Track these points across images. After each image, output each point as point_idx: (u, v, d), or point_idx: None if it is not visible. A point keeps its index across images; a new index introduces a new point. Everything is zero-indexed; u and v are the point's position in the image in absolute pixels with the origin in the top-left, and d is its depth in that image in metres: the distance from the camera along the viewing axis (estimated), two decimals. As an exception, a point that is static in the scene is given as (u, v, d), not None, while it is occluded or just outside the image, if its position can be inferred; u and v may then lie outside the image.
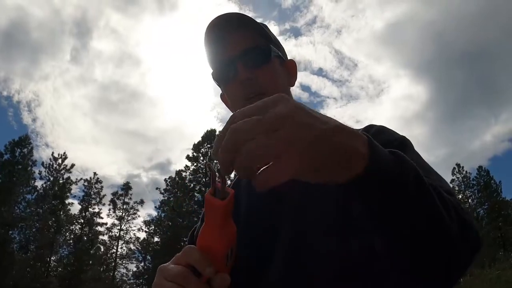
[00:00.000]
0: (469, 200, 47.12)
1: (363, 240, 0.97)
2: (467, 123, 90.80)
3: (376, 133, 1.26)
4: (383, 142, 1.01)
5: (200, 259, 0.85)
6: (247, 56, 1.36)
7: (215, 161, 0.83)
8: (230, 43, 1.38)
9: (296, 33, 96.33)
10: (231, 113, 1.30)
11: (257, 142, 0.67)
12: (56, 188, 44.03)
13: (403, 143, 1.22)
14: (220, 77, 1.44)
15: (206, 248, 0.85)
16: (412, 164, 0.84)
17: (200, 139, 47.95)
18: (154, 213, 52.34)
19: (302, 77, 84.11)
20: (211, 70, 1.46)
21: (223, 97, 1.55)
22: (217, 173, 0.79)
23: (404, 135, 1.27)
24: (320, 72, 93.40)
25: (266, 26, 1.51)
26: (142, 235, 48.45)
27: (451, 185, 1.05)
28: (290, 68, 1.51)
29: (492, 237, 41.98)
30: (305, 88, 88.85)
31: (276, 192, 1.04)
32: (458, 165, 48.80)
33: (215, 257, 0.84)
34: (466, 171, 48.89)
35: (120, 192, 48.73)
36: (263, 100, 0.74)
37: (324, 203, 1.12)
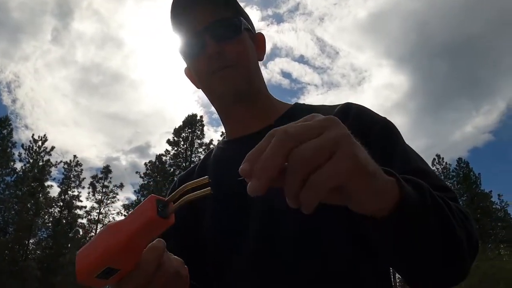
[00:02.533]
0: (448, 191, 46.69)
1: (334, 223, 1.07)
2: (448, 114, 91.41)
3: (357, 114, 1.22)
4: (365, 126, 1.15)
5: None
6: (216, 29, 1.28)
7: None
8: (198, 15, 1.30)
9: (278, 19, 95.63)
10: (197, 89, 1.44)
11: (326, 173, 0.61)
12: (36, 171, 43.87)
13: (386, 129, 1.19)
14: (186, 51, 1.37)
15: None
16: (429, 192, 0.85)
17: (181, 123, 47.71)
18: (133, 197, 52.20)
19: (283, 63, 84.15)
20: (177, 44, 1.39)
21: (187, 72, 1.47)
22: (182, 192, 0.72)
23: (384, 116, 1.24)
24: (301, 59, 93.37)
25: None
26: (121, 219, 48.35)
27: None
28: (259, 42, 1.44)
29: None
30: (286, 74, 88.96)
31: None
32: (438, 156, 48.86)
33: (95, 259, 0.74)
34: (446, 162, 48.99)
35: (99, 175, 48.60)
36: (312, 119, 0.70)
37: None
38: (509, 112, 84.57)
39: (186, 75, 1.48)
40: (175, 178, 1.53)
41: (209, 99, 1.40)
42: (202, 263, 1.24)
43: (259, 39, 1.44)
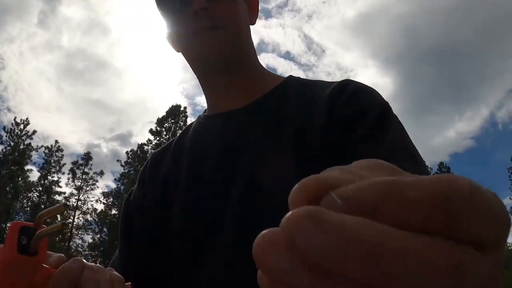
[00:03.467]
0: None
1: None
2: (431, 118, 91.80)
3: (353, 93, 1.03)
4: (364, 106, 1.00)
5: None
6: None
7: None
8: None
9: (266, 14, 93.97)
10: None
11: None
12: (16, 154, 43.55)
13: (383, 114, 0.99)
14: (167, 6, 1.15)
15: None
16: None
17: (164, 113, 47.46)
18: (113, 185, 52.11)
19: (269, 59, 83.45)
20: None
21: (169, 38, 1.24)
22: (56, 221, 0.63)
23: (386, 103, 1.04)
24: (287, 56, 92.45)
25: None
26: (100, 207, 48.35)
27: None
28: (252, 3, 1.24)
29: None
30: (272, 70, 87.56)
31: (228, 149, 1.07)
32: (418, 160, 48.60)
33: None
34: (427, 166, 48.82)
35: (80, 162, 48.38)
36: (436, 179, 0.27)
37: (280, 167, 0.98)
38: (491, 119, 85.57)
39: (168, 41, 1.26)
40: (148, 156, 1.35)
41: (190, 65, 1.20)
42: (169, 250, 1.09)
43: (253, 1, 1.24)
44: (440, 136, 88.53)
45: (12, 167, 43.06)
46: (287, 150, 0.99)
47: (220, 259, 0.98)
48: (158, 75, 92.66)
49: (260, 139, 1.05)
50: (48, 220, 0.66)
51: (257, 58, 1.23)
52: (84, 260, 0.73)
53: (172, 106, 48.09)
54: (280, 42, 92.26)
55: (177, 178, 1.15)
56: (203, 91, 1.24)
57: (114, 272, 0.79)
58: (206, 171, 1.10)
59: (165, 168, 1.20)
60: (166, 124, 46.64)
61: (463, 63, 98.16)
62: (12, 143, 44.24)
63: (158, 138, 46.00)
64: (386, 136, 0.94)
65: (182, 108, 47.76)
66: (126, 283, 0.79)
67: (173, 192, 1.13)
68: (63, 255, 0.75)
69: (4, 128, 45.25)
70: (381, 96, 1.06)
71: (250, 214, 0.97)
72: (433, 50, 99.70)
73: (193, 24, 1.09)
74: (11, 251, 0.61)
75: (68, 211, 45.96)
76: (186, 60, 1.20)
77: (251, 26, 1.22)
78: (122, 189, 46.09)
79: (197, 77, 1.22)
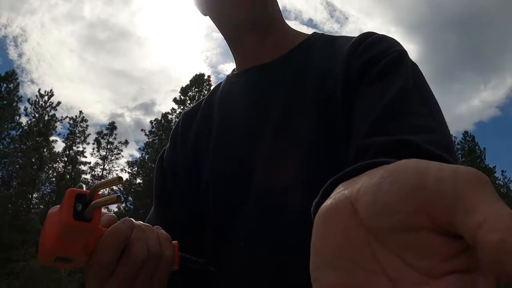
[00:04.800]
0: (452, 164, 46.84)
1: None
2: (456, 86, 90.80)
3: (370, 44, 1.01)
4: (380, 52, 0.97)
5: None
6: None
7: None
8: None
9: None
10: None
11: None
12: (41, 125, 43.91)
13: (398, 60, 0.96)
14: None
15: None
16: None
17: (188, 82, 47.41)
18: (137, 154, 52.47)
19: (292, 26, 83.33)
20: None
21: (196, 0, 1.25)
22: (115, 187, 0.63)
23: (403, 49, 1.00)
24: (310, 23, 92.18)
25: None
26: (124, 176, 48.67)
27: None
28: None
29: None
30: None
31: (260, 106, 1.08)
32: (444, 128, 48.09)
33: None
34: (452, 135, 48.56)
35: (105, 132, 48.66)
36: None
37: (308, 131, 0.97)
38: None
39: (194, 2, 1.26)
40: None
41: (217, 26, 1.22)
42: (205, 216, 1.09)
43: None
44: (464, 105, 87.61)
45: (37, 139, 43.42)
46: (313, 99, 1.01)
47: (252, 207, 0.99)
48: (181, 43, 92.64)
49: (289, 91, 1.06)
50: (102, 191, 0.70)
51: (282, 16, 1.24)
52: (134, 220, 0.78)
53: (196, 74, 47.82)
54: (303, 10, 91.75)
55: (208, 133, 1.16)
56: (231, 51, 1.25)
57: (162, 230, 0.83)
58: (237, 122, 1.11)
59: (196, 127, 1.22)
60: (190, 93, 46.50)
61: (488, 31, 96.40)
62: (36, 115, 44.57)
63: (182, 107, 45.94)
64: (395, 83, 0.90)
65: (206, 77, 47.56)
66: (173, 242, 0.83)
67: (204, 148, 1.16)
68: (114, 215, 0.80)
69: (28, 100, 45.50)
70: (400, 45, 1.02)
71: (282, 157, 0.99)
72: (457, 18, 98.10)
73: None
74: (67, 216, 0.64)
75: (94, 181, 46.38)
76: (213, 21, 1.21)
77: None
78: (146, 158, 46.19)
79: (224, 38, 1.23)
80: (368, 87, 0.93)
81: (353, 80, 0.96)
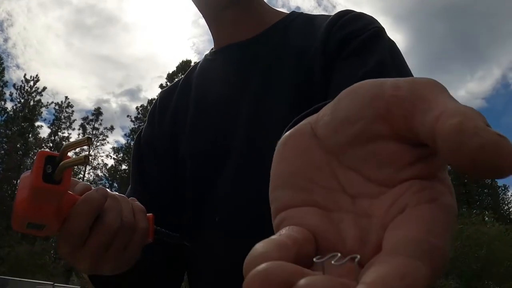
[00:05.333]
0: (438, 155, 47.12)
1: None
2: (443, 76, 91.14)
3: (347, 21, 1.03)
4: (357, 28, 0.99)
5: None
6: None
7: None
8: None
9: None
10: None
11: None
12: (27, 111, 43.60)
13: (374, 36, 0.98)
14: None
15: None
16: None
17: (174, 69, 47.31)
18: (122, 140, 52.25)
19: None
20: None
21: None
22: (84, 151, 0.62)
23: (380, 27, 1.02)
24: (297, 10, 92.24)
25: None
26: (110, 162, 48.53)
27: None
28: None
29: (457, 193, 42.52)
30: None
31: (233, 83, 1.09)
32: (431, 119, 48.16)
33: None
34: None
35: (90, 117, 48.44)
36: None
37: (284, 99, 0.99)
38: (503, 81, 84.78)
39: None
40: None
41: (195, 5, 1.22)
42: (181, 191, 1.10)
43: None
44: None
45: (22, 124, 43.13)
46: (290, 75, 1.01)
47: (230, 178, 1.00)
48: (168, 30, 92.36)
49: (266, 67, 1.07)
50: (71, 152, 0.68)
51: None
52: (108, 190, 0.75)
53: (182, 61, 47.92)
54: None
55: (185, 110, 1.17)
56: (210, 29, 1.26)
57: (137, 202, 0.81)
58: (214, 98, 1.12)
59: (173, 104, 1.22)
60: (176, 79, 45.93)
61: (476, 21, 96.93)
62: (22, 100, 44.19)
63: (168, 95, 45.78)
64: (372, 57, 0.92)
65: (192, 63, 46.67)
66: (148, 214, 0.82)
67: (182, 124, 1.16)
68: (89, 184, 0.76)
69: (14, 85, 45.08)
70: (378, 22, 1.04)
71: (258, 133, 0.99)
72: (446, 7, 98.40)
73: None
74: (37, 178, 0.63)
75: (79, 167, 46.15)
76: (193, 1, 1.21)
77: None
78: (132, 144, 45.86)
79: (203, 16, 1.23)
80: (344, 62, 0.94)
81: (330, 56, 0.97)
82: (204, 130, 1.10)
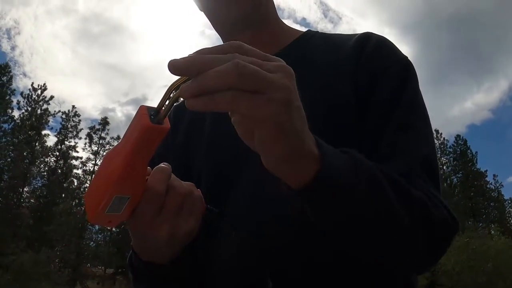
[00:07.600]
0: (444, 167, 47.43)
1: None
2: (449, 88, 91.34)
3: (376, 46, 1.08)
4: (380, 63, 1.04)
5: None
6: None
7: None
8: None
9: None
10: (205, 32, 1.53)
11: (248, 101, 0.59)
12: (34, 119, 43.67)
13: (402, 75, 1.04)
14: None
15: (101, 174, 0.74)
16: (366, 166, 0.78)
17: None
18: (129, 150, 52.00)
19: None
20: None
21: None
22: (172, 96, 0.64)
23: (406, 56, 1.10)
24: (303, 22, 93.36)
25: None
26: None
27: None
28: None
29: (463, 206, 42.57)
30: None
31: None
32: (436, 131, 48.09)
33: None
34: (444, 138, 49.09)
35: (97, 127, 48.42)
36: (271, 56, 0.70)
37: None
38: (510, 92, 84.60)
39: None
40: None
41: (211, 23, 1.23)
42: None
43: None
44: (457, 107, 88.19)
45: (29, 132, 43.19)
46: (309, 91, 0.97)
47: (245, 194, 1.00)
48: (175, 39, 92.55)
49: None
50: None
51: (276, 13, 1.24)
52: None
53: (189, 72, 47.64)
54: (296, 8, 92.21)
55: (201, 124, 1.17)
56: None
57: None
58: (227, 119, 1.03)
59: (188, 117, 1.22)
60: (182, 90, 46.28)
61: (483, 32, 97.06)
62: (29, 109, 44.30)
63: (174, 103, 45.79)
64: (403, 97, 1.00)
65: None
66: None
67: (197, 138, 1.16)
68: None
69: (21, 93, 45.21)
70: (399, 51, 1.10)
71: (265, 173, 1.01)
72: (452, 18, 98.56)
73: None
74: (145, 121, 0.67)
75: (85, 176, 46.20)
76: (208, 18, 1.23)
77: None
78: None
79: (219, 35, 1.25)
80: (380, 96, 1.00)
81: (362, 83, 1.01)
82: (221, 146, 1.09)
